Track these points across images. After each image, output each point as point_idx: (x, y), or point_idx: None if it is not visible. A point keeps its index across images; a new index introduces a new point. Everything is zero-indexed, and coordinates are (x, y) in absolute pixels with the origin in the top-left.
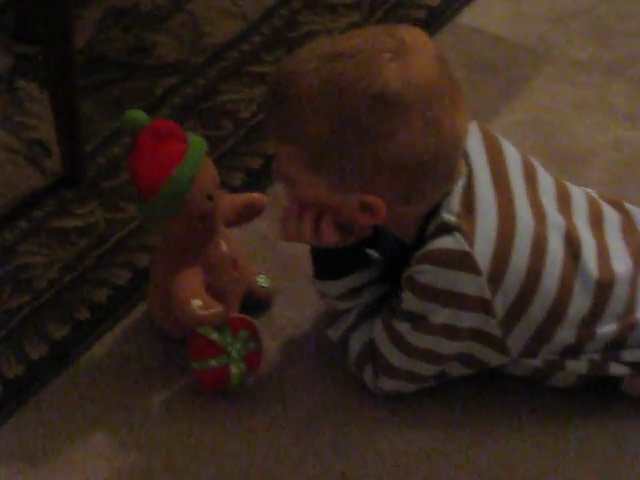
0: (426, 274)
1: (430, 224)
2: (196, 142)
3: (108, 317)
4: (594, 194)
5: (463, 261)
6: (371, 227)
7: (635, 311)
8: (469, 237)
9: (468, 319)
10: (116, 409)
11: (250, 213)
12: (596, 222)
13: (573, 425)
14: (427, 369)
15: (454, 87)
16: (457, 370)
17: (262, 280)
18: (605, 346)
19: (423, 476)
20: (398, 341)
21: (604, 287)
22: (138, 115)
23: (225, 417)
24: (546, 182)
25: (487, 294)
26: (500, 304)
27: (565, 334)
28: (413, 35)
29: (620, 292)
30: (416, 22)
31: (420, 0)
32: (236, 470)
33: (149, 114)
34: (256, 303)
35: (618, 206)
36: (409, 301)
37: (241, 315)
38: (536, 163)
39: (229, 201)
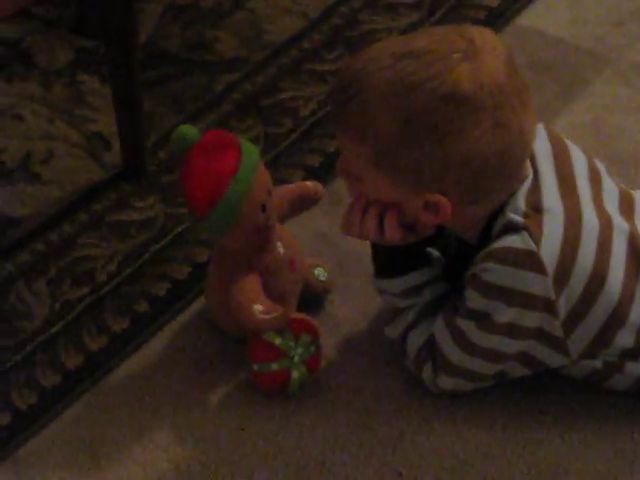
0: (492, 272)
1: (495, 224)
2: (249, 153)
3: (167, 310)
4: None
5: (529, 260)
6: (434, 226)
7: None
8: (536, 237)
9: (532, 319)
10: (173, 402)
11: (305, 203)
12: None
13: (630, 428)
14: (487, 368)
15: (523, 88)
16: (516, 370)
17: (320, 273)
18: None
19: (481, 476)
20: (460, 339)
21: None
22: (188, 131)
23: (282, 414)
24: (610, 186)
25: (552, 294)
26: (563, 305)
27: (625, 338)
28: (483, 36)
29: None
30: (476, 23)
31: (480, 1)
32: (292, 467)
33: (208, 110)
34: (313, 296)
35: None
36: (473, 299)
37: (302, 316)
38: (601, 167)
39: (283, 193)
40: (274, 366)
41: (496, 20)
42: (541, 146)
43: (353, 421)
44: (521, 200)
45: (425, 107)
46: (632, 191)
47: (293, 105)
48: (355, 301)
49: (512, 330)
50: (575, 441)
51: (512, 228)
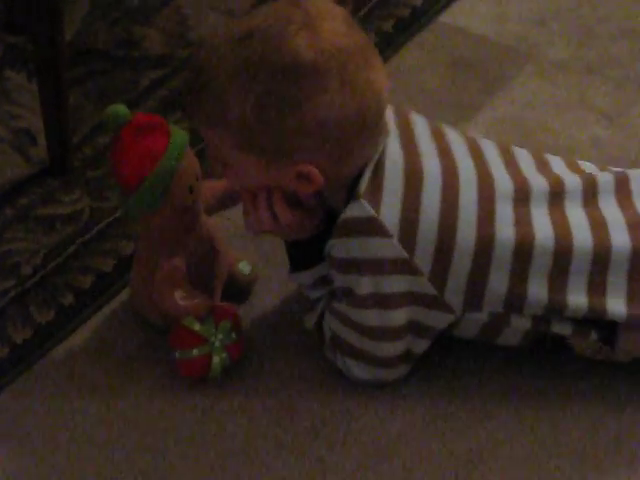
0: (339, 247)
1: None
2: (178, 135)
3: (92, 303)
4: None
5: (370, 226)
6: (315, 196)
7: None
8: (375, 202)
9: (393, 283)
10: (98, 392)
11: (231, 199)
12: (510, 160)
13: (548, 412)
14: (385, 347)
15: (366, 46)
16: (417, 346)
17: (244, 266)
18: (547, 304)
19: (402, 462)
20: (346, 321)
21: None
22: (120, 110)
23: (205, 403)
24: (456, 138)
25: (403, 254)
26: (421, 261)
27: (497, 282)
28: (317, 4)
29: (543, 250)
30: (400, 20)
31: None
32: (214, 455)
33: (135, 106)
34: (238, 289)
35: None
36: (336, 278)
37: (224, 304)
38: (445, 125)
39: (210, 187)
40: (195, 352)
41: (420, 18)
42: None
43: (276, 409)
44: (370, 168)
45: (270, 83)
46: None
47: None
48: (279, 292)
49: (380, 300)
50: (494, 427)
51: (353, 197)
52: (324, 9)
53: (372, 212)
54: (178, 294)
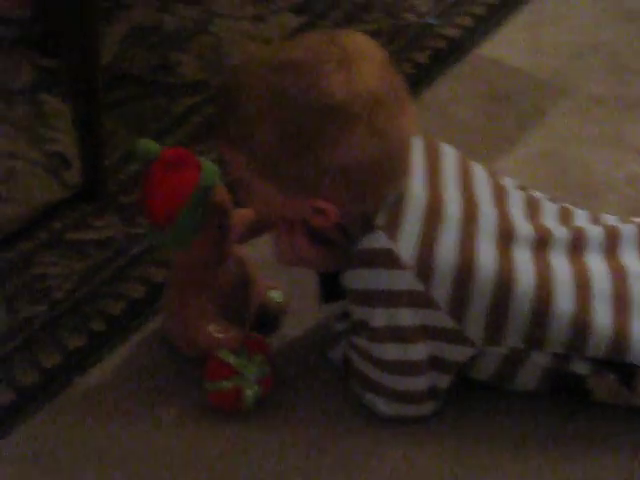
0: (354, 278)
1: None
2: (208, 170)
3: (122, 329)
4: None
5: (386, 258)
6: (335, 229)
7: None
8: (392, 234)
9: (408, 316)
10: (128, 420)
11: (262, 227)
12: (533, 212)
13: (583, 449)
14: (407, 382)
15: (399, 91)
16: (440, 380)
17: (276, 295)
18: (568, 338)
19: None
20: (365, 356)
21: (545, 269)
22: (149, 146)
23: (235, 435)
24: (481, 178)
25: (419, 286)
26: (439, 295)
27: (518, 316)
28: (356, 43)
29: (563, 276)
30: (436, 51)
31: (441, 30)
32: None
33: (168, 132)
34: (269, 318)
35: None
36: (352, 311)
37: (256, 337)
38: (474, 163)
39: (241, 216)
40: (226, 384)
41: (456, 49)
42: (415, 148)
43: (306, 442)
44: (390, 200)
45: (299, 119)
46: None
47: None
48: (310, 323)
49: (396, 333)
50: (520, 466)
51: (368, 229)
52: (362, 49)
53: (388, 243)
54: (212, 327)
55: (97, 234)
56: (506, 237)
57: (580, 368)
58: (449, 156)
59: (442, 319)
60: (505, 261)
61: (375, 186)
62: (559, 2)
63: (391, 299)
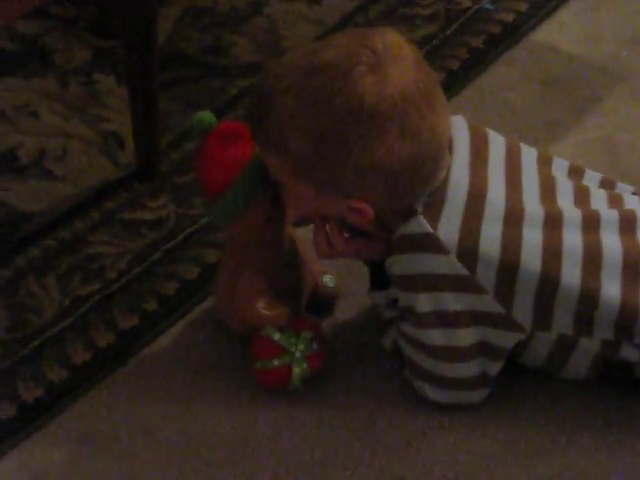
0: (397, 264)
1: None
2: None
3: (175, 310)
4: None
5: (427, 242)
6: (373, 226)
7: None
8: (433, 218)
9: (453, 300)
10: (179, 400)
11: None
12: (582, 200)
13: (630, 436)
14: (456, 369)
15: (432, 90)
16: (488, 366)
17: (329, 280)
18: (616, 325)
19: None
20: (414, 343)
21: (593, 255)
22: (206, 116)
23: (286, 414)
24: (529, 167)
25: (463, 271)
26: (485, 279)
27: (565, 303)
28: (387, 43)
29: (611, 260)
30: (491, 37)
31: (496, 15)
32: (293, 467)
33: (223, 114)
34: (322, 303)
35: (608, 184)
36: (399, 297)
37: (305, 315)
38: (526, 148)
39: None
40: (275, 362)
41: (511, 35)
42: (460, 131)
43: (357, 425)
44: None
45: (332, 123)
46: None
47: None
48: (362, 308)
49: (443, 318)
50: (575, 452)
51: (409, 215)
52: (393, 49)
53: (429, 228)
54: (260, 304)
55: (151, 214)
56: (552, 225)
57: (630, 355)
58: (498, 144)
59: (489, 304)
60: (551, 250)
61: (410, 185)
62: None
63: (434, 283)
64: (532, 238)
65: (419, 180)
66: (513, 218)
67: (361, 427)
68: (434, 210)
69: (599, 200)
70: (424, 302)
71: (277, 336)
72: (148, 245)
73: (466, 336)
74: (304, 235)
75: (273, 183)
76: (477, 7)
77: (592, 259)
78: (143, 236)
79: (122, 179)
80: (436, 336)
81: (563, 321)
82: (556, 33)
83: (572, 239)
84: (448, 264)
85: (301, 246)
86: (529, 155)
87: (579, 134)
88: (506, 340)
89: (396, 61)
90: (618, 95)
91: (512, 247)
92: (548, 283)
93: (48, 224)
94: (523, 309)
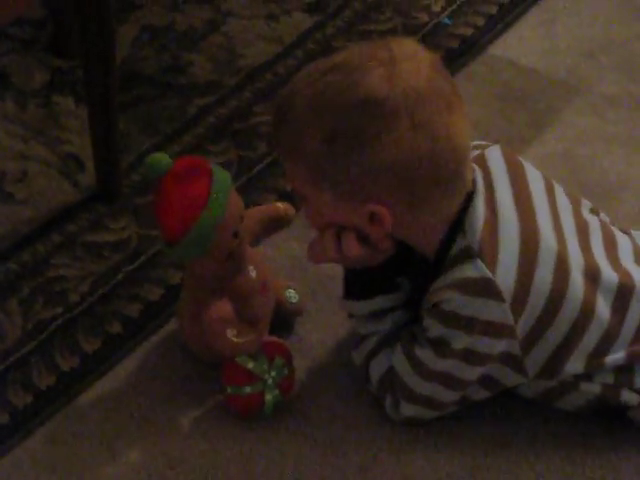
0: (450, 302)
1: (455, 244)
2: (221, 178)
3: (139, 332)
4: (604, 218)
5: (486, 288)
6: (389, 240)
7: None
8: (491, 263)
9: (489, 345)
10: (145, 424)
11: (277, 225)
12: (610, 247)
13: (591, 451)
14: (449, 394)
15: (450, 92)
16: (477, 394)
17: (291, 295)
18: (618, 370)
19: None
20: (419, 367)
21: (618, 312)
22: (160, 159)
23: (254, 437)
24: (565, 206)
25: (510, 320)
26: (521, 326)
27: (577, 363)
28: (403, 45)
29: (631, 320)
30: (450, 51)
31: (454, 29)
32: None
33: (183, 133)
34: (284, 318)
35: (629, 235)
36: (433, 328)
37: (275, 339)
38: (556, 185)
39: (254, 214)
40: (248, 389)
41: (470, 49)
42: (496, 164)
43: (325, 445)
44: (479, 222)
45: (343, 117)
46: (585, 211)
47: (267, 129)
48: (327, 324)
49: (471, 356)
50: (543, 468)
51: (468, 254)
52: (410, 51)
53: (489, 274)
54: (230, 332)
55: (112, 236)
56: (590, 277)
57: (630, 399)
58: (536, 178)
59: (513, 346)
60: (589, 294)
61: (428, 189)
62: (571, 0)
63: (479, 327)
64: (575, 290)
65: (438, 185)
66: (561, 265)
67: (329, 447)
68: (490, 250)
69: (626, 252)
70: (462, 340)
71: (251, 364)
72: (110, 267)
73: (476, 372)
74: (267, 254)
75: (235, 216)
76: (435, 22)
77: (614, 330)
78: (105, 258)
79: (83, 201)
80: (448, 365)
81: (570, 371)
82: (514, 47)
83: (603, 306)
84: (500, 312)
85: (262, 267)
86: (559, 190)
87: (539, 148)
88: (508, 379)
89: (411, 60)
90: (576, 108)
91: (558, 296)
92: (573, 338)
93: (9, 247)
94: (536, 358)
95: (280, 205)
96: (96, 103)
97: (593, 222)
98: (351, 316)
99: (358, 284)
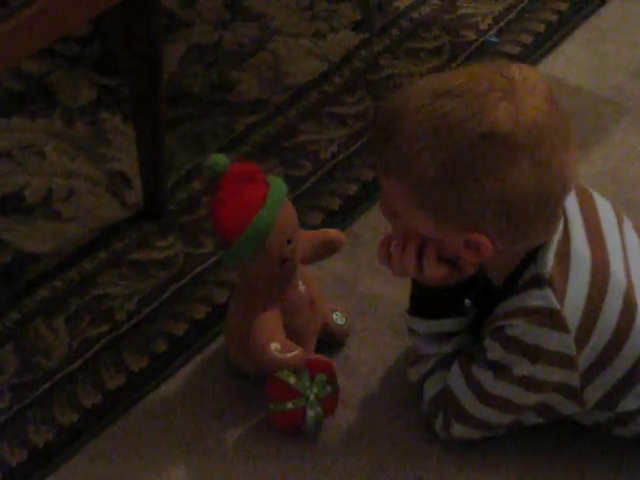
0: (515, 328)
1: (526, 272)
2: (276, 186)
3: (185, 350)
4: None
5: (553, 319)
6: (475, 265)
7: None
8: (560, 293)
9: (550, 373)
10: (190, 443)
11: (327, 250)
12: None
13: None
14: (502, 418)
15: (564, 126)
16: (530, 419)
17: (338, 317)
18: None
19: None
20: (476, 388)
21: None
22: (219, 160)
23: (298, 456)
24: (632, 237)
25: (573, 351)
26: (583, 358)
27: (636, 397)
28: (524, 74)
29: None
30: None
31: (502, 47)
32: None
33: (229, 151)
34: (331, 340)
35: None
36: (494, 351)
37: (319, 357)
38: (625, 218)
39: (306, 238)
40: (289, 405)
41: None
42: (568, 197)
43: (369, 465)
44: (551, 252)
45: (463, 147)
46: None
47: (313, 148)
48: (373, 345)
49: (530, 383)
50: None
51: (538, 282)
52: (530, 81)
53: (556, 304)
54: (274, 345)
55: (159, 254)
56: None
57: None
58: (607, 211)
59: (573, 378)
60: None
61: (533, 222)
62: (619, 18)
63: (542, 356)
64: (638, 325)
65: (541, 219)
66: (629, 301)
67: (373, 467)
68: (560, 284)
69: None
70: (523, 367)
71: (292, 379)
72: (157, 285)
73: (533, 398)
74: (313, 274)
75: (289, 224)
76: (482, 40)
77: None
78: (152, 276)
79: (129, 219)
80: (508, 391)
81: (629, 405)
82: (561, 65)
83: None
84: (563, 343)
85: (311, 285)
86: (628, 223)
87: (585, 167)
88: (565, 408)
89: (531, 93)
90: (623, 127)
91: (623, 332)
92: (636, 373)
93: (56, 265)
94: (596, 391)
95: (332, 231)
96: (143, 121)
97: None
98: (411, 332)
99: (426, 302)
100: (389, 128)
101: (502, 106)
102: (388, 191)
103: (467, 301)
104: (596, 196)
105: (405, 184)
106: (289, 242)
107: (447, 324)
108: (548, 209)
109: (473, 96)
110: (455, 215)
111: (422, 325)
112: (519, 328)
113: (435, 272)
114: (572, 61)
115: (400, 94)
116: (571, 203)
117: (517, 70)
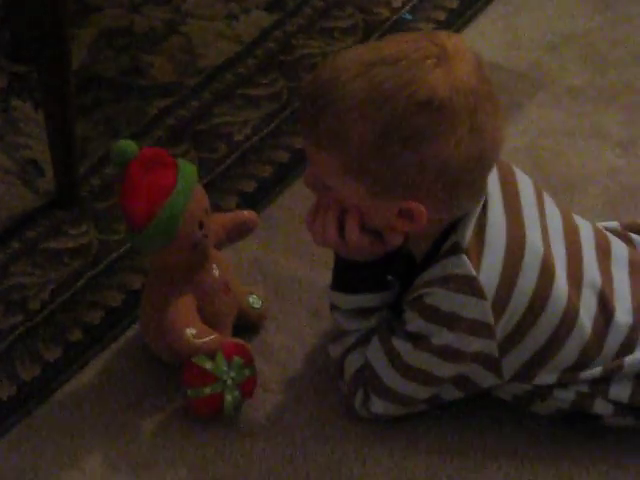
0: (433, 296)
1: (446, 242)
2: (186, 170)
3: (101, 339)
4: (600, 226)
5: (469, 285)
6: (404, 236)
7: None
8: (476, 261)
9: (469, 343)
10: (108, 432)
11: (241, 232)
12: (604, 256)
13: (565, 452)
14: (422, 391)
15: (493, 93)
16: (450, 394)
17: (254, 301)
18: (593, 381)
19: None
20: (395, 360)
21: (603, 323)
22: (127, 146)
23: (217, 441)
24: (553, 213)
25: (491, 319)
26: (501, 327)
27: (563, 362)
28: (454, 42)
29: (618, 333)
30: None
31: (415, 25)
32: None
33: (143, 135)
34: (248, 324)
35: (624, 238)
36: (414, 321)
37: (235, 341)
38: (545, 193)
39: (219, 220)
40: (207, 390)
41: None
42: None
43: (289, 447)
44: (471, 222)
45: (401, 115)
46: (578, 217)
47: (227, 130)
48: (290, 328)
49: (449, 353)
50: (511, 467)
51: (455, 250)
52: (460, 49)
53: (473, 272)
54: (189, 331)
55: (72, 242)
56: (575, 280)
57: (602, 409)
58: (526, 185)
59: (491, 347)
60: (573, 302)
61: (465, 190)
62: None
63: (461, 324)
64: (559, 295)
65: (470, 189)
66: (546, 270)
67: (294, 450)
68: (478, 252)
69: (621, 261)
70: (442, 336)
71: (209, 365)
72: (71, 273)
73: (453, 369)
74: (229, 258)
75: (200, 207)
76: (396, 17)
77: (594, 346)
78: (66, 265)
79: (42, 207)
80: (426, 362)
81: (546, 379)
82: (474, 41)
83: (586, 317)
84: (481, 310)
85: (226, 269)
86: (549, 199)
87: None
88: (483, 380)
89: (463, 59)
90: (539, 101)
91: (540, 301)
92: (554, 344)
93: None
94: (514, 362)
95: (245, 212)
96: (52, 107)
97: (585, 228)
98: (334, 308)
99: (348, 276)
100: (321, 100)
101: (437, 72)
102: (320, 163)
103: (390, 278)
104: (517, 171)
105: (341, 154)
106: (201, 226)
107: (369, 299)
108: (481, 177)
109: (407, 64)
110: (391, 184)
111: (344, 300)
112: (436, 296)
113: (358, 241)
114: (486, 36)
115: (329, 64)
116: (492, 176)
117: (447, 37)
